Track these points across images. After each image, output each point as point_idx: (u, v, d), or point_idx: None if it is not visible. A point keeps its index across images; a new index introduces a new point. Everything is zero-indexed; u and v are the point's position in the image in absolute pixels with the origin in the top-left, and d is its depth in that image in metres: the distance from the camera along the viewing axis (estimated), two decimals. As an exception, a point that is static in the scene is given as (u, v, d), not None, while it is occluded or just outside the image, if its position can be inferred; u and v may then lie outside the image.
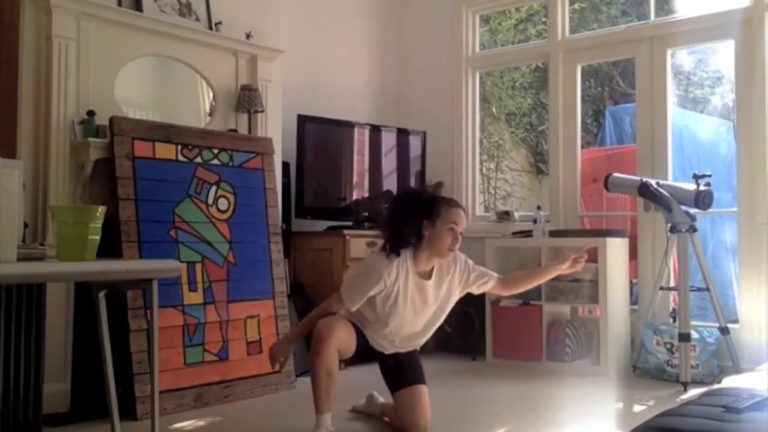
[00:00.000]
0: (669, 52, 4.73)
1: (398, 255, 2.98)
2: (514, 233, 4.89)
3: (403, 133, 5.41)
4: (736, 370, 3.93)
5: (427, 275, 3.07)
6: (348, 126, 5.06)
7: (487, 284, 3.22)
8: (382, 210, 3.35)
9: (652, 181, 4.22)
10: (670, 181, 4.45)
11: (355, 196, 5.12)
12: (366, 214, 4.93)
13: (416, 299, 3.04)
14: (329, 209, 4.93)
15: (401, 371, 3.10)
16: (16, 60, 3.44)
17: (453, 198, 3.15)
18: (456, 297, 3.16)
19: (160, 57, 4.03)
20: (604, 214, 6.10)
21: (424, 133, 5.50)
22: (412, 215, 3.00)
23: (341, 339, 2.92)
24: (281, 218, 4.31)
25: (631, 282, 4.78)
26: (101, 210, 2.36)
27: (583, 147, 5.44)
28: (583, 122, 6.26)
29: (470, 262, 3.20)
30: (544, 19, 6.85)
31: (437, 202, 3.02)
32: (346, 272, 4.44)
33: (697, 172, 4.16)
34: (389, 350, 3.14)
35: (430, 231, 2.98)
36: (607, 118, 7.19)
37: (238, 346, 3.78)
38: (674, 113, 5.40)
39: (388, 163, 5.30)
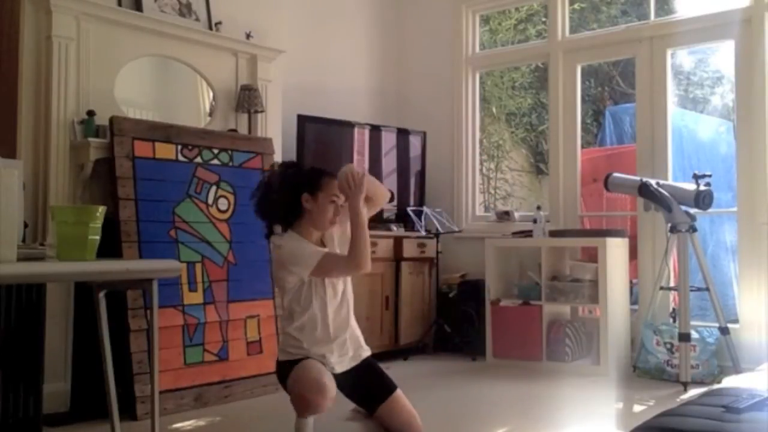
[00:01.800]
0: (669, 52, 4.73)
1: (286, 231, 2.86)
2: (514, 233, 4.89)
3: (403, 133, 5.41)
4: (736, 370, 3.93)
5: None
6: (348, 126, 5.06)
7: None
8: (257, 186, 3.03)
9: (652, 181, 4.22)
10: (670, 181, 4.46)
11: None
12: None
13: None
14: (329, 209, 4.92)
15: (368, 389, 2.95)
16: (16, 60, 3.44)
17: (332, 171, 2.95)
18: None
19: (160, 57, 4.03)
20: (604, 214, 6.10)
21: (424, 133, 5.50)
22: (292, 189, 2.86)
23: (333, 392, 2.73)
24: (281, 218, 4.30)
25: (631, 282, 4.78)
26: (101, 210, 2.35)
27: (583, 147, 5.44)
28: (583, 122, 6.26)
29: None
30: (544, 19, 6.85)
31: (318, 175, 2.90)
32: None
33: (697, 172, 4.16)
34: (337, 364, 2.88)
35: (312, 204, 2.84)
36: (607, 118, 7.17)
37: (238, 346, 3.78)
38: (674, 113, 5.40)
39: (388, 163, 5.30)
